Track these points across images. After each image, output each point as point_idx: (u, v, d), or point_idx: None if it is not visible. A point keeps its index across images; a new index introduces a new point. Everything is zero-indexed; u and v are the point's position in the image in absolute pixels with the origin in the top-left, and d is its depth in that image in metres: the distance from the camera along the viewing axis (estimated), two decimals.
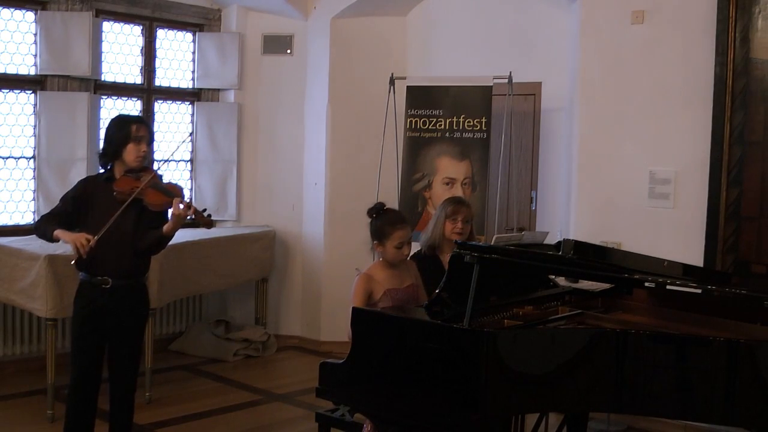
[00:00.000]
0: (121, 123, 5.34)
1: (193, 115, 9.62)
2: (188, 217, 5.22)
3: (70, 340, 5.58)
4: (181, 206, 5.15)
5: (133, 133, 5.26)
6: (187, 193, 9.21)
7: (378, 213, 5.08)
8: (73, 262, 5.20)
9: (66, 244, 5.29)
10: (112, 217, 5.12)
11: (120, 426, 5.56)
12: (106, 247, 5.18)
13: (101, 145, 5.45)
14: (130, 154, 5.28)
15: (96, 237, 5.07)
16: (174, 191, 5.33)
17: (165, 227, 5.24)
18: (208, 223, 5.30)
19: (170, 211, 5.30)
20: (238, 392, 7.90)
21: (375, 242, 5.04)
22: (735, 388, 4.30)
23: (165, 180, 5.58)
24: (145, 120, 5.50)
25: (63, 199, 5.41)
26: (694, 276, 5.14)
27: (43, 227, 5.29)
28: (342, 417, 5.54)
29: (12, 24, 8.12)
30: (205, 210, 5.29)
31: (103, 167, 5.43)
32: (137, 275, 5.46)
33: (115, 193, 5.20)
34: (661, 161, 7.17)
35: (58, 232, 5.16)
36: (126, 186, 5.23)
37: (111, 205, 5.18)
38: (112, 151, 5.32)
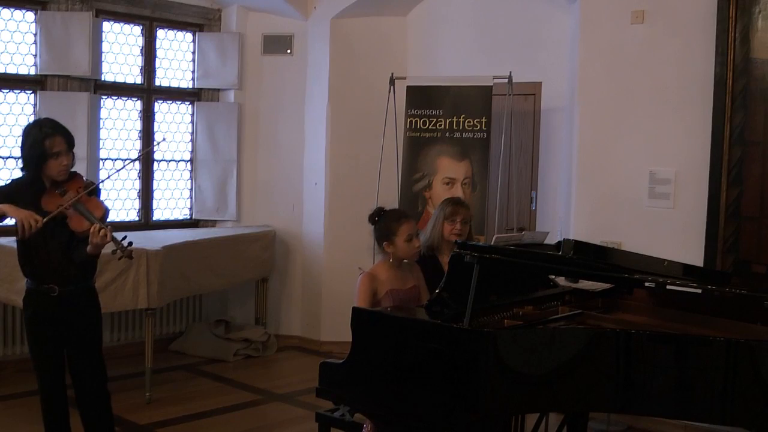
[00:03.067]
0: (33, 139, 5.06)
1: (193, 115, 9.62)
2: (108, 248, 5.02)
3: (29, 351, 5.42)
4: (99, 235, 4.93)
5: (47, 149, 5.02)
6: (185, 193, 9.28)
7: (379, 215, 5.12)
8: (16, 238, 5.00)
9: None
10: (44, 238, 5.02)
11: (94, 429, 5.48)
12: (46, 254, 5.12)
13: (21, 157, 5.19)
14: (52, 170, 5.07)
15: (44, 219, 4.89)
16: (95, 214, 5.09)
17: (87, 249, 5.04)
18: (128, 255, 5.05)
19: None
20: (238, 392, 7.90)
21: (384, 243, 5.06)
22: (735, 387, 4.30)
23: (97, 189, 5.38)
24: (60, 128, 5.13)
25: None
26: (694, 276, 5.14)
27: None
28: (342, 417, 5.53)
29: (12, 24, 8.13)
30: (125, 238, 5.04)
31: (29, 178, 5.18)
32: (83, 279, 5.33)
33: (42, 211, 5.00)
34: (661, 161, 7.17)
35: (4, 206, 4.93)
36: (52, 205, 5.03)
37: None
38: (32, 167, 5.10)
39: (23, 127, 5.25)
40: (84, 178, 5.32)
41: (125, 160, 8.90)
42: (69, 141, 5.15)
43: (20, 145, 5.18)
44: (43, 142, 5.02)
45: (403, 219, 5.10)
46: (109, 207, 5.50)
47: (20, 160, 5.22)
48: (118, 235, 5.04)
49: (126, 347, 8.62)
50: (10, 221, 5.03)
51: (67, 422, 5.46)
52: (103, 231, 4.93)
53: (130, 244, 5.06)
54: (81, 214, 5.04)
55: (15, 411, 7.13)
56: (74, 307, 5.26)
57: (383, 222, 5.07)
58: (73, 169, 5.23)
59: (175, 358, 8.90)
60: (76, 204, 5.05)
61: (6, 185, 5.31)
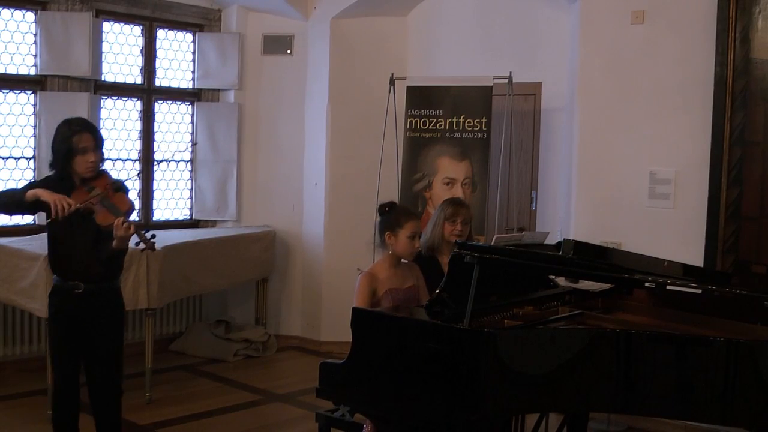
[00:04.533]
0: (62, 136, 5.21)
1: (193, 115, 9.62)
2: (133, 240, 5.14)
3: (48, 344, 5.53)
4: (123, 227, 5.02)
5: (74, 146, 5.14)
6: (186, 193, 9.29)
7: (391, 207, 5.19)
8: (48, 220, 5.08)
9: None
10: (72, 234, 5.12)
11: (106, 428, 5.52)
12: (74, 251, 5.19)
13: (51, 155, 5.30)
14: (80, 166, 5.18)
15: (77, 205, 5.01)
16: (121, 208, 5.18)
17: (113, 243, 5.14)
18: (150, 246, 5.14)
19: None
20: (238, 392, 7.90)
21: (387, 233, 5.08)
22: (735, 388, 4.30)
23: (126, 183, 5.49)
24: (89, 125, 5.29)
25: (31, 184, 5.32)
26: (694, 276, 5.14)
27: (9, 194, 5.23)
28: (342, 417, 5.53)
29: (12, 24, 8.12)
30: (147, 231, 5.17)
31: (59, 175, 5.28)
32: (109, 279, 5.40)
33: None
34: (661, 161, 7.17)
35: (38, 190, 5.05)
36: (80, 200, 5.12)
37: (69, 215, 5.07)
38: (61, 165, 5.22)
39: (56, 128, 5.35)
40: (112, 177, 5.45)
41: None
42: (97, 139, 5.27)
43: (51, 142, 5.30)
44: (71, 138, 5.16)
45: (412, 216, 5.18)
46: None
47: (50, 162, 5.31)
48: (143, 231, 5.16)
49: (126, 347, 8.45)
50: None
51: (76, 421, 5.48)
52: (126, 224, 5.03)
53: (153, 236, 5.16)
54: (107, 209, 5.14)
55: (15, 411, 7.13)
56: (98, 306, 5.32)
57: (393, 213, 5.12)
58: (101, 168, 5.33)
59: (175, 359, 8.90)
60: (103, 199, 5.16)
61: (39, 180, 5.40)
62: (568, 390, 4.41)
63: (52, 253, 5.35)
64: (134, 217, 5.37)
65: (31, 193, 5.06)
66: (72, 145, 5.14)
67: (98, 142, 5.27)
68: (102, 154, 5.30)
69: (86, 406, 5.51)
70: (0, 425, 6.86)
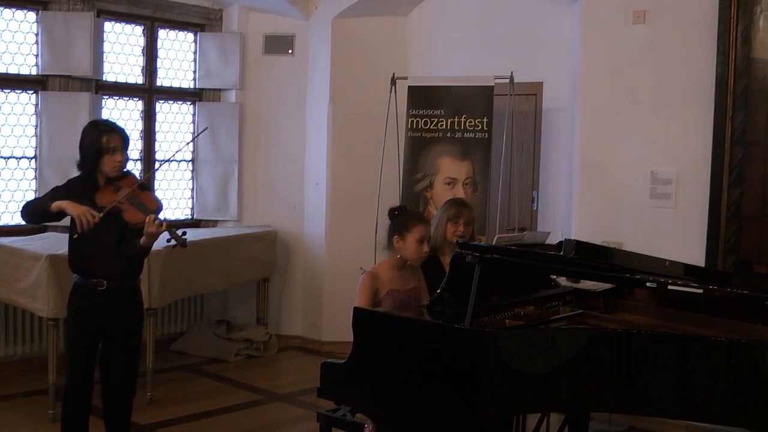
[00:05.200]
0: (91, 135, 5.30)
1: (194, 115, 9.62)
2: (162, 237, 5.23)
3: (66, 342, 5.58)
4: (155, 224, 5.12)
5: (104, 144, 5.22)
6: (187, 193, 9.29)
7: (400, 211, 5.17)
8: (75, 236, 5.17)
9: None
10: (98, 233, 5.14)
11: (117, 427, 5.57)
12: (97, 250, 5.23)
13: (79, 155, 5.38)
14: (107, 165, 5.26)
15: (101, 215, 5.09)
16: (150, 207, 5.29)
17: (141, 241, 5.22)
18: (182, 243, 5.23)
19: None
20: (239, 392, 7.90)
21: (396, 237, 5.06)
22: (736, 388, 4.30)
23: (154, 179, 5.59)
24: (116, 127, 5.38)
25: (54, 190, 5.37)
26: (695, 276, 5.14)
27: (36, 205, 5.32)
28: (343, 417, 5.54)
29: (13, 24, 8.13)
30: (178, 228, 5.27)
31: (84, 175, 5.37)
32: (131, 277, 5.48)
33: (97, 206, 5.16)
34: (663, 161, 7.17)
35: (62, 203, 5.13)
36: (106, 200, 5.21)
37: None
38: (88, 163, 5.30)
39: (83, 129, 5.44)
40: (136, 176, 5.55)
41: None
42: (125, 139, 5.37)
43: (79, 143, 5.36)
44: (101, 137, 5.25)
45: (421, 220, 5.14)
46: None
47: (78, 163, 5.38)
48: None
49: None
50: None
51: (86, 420, 5.51)
52: (158, 221, 5.13)
53: (185, 233, 5.26)
54: (136, 207, 5.22)
55: (16, 411, 7.14)
56: (119, 304, 5.38)
57: (402, 217, 5.10)
58: (126, 169, 5.42)
59: (176, 358, 8.90)
60: (131, 197, 5.24)
61: (62, 185, 5.43)
62: (569, 390, 4.41)
63: (73, 251, 5.38)
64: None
65: (55, 205, 5.13)
66: (101, 145, 5.22)
67: (125, 142, 5.37)
68: (127, 154, 5.40)
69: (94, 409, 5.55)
70: (1, 425, 6.86)
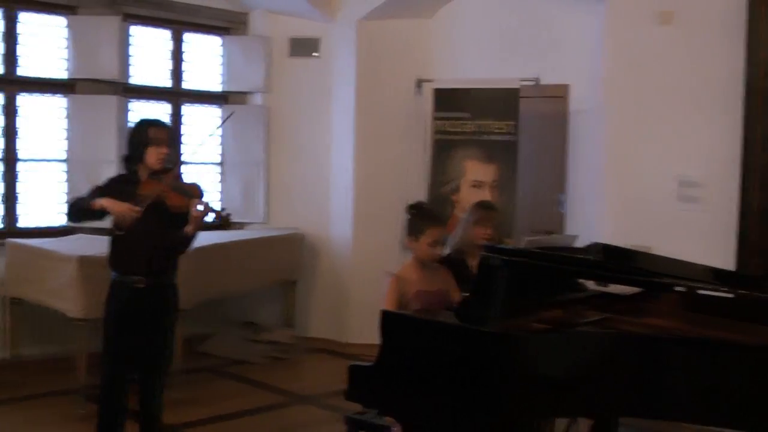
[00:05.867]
0: (139, 127, 5.45)
1: (221, 118, 9.64)
2: (208, 218, 5.33)
3: (103, 339, 5.63)
4: (199, 208, 5.24)
5: (151, 136, 5.35)
6: (215, 195, 9.33)
7: (416, 209, 5.14)
8: (120, 231, 5.27)
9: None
10: (141, 224, 5.22)
11: (150, 425, 5.63)
12: (137, 247, 5.30)
13: (125, 149, 5.53)
14: (151, 156, 5.35)
15: (141, 209, 5.19)
16: (193, 192, 5.41)
17: (186, 228, 5.32)
18: (226, 222, 5.35)
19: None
20: (265, 394, 7.91)
21: (409, 237, 5.06)
22: (766, 394, 4.27)
23: (189, 180, 5.67)
24: (164, 122, 5.56)
25: (96, 189, 5.45)
26: (724, 280, 5.10)
27: (80, 203, 5.40)
28: (371, 420, 5.53)
29: (43, 29, 8.19)
30: (224, 209, 5.37)
31: (127, 171, 5.51)
32: (168, 275, 5.54)
33: (139, 197, 5.25)
34: (691, 164, 7.14)
35: (103, 201, 5.23)
36: (149, 189, 5.31)
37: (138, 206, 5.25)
38: (133, 155, 5.41)
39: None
40: (180, 173, 5.76)
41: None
42: (171, 135, 5.55)
43: (127, 137, 5.55)
44: (148, 129, 5.39)
45: (433, 223, 5.09)
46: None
47: (124, 157, 5.55)
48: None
49: None
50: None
51: (123, 419, 5.57)
52: (202, 204, 5.25)
53: (229, 215, 5.36)
54: (178, 192, 5.34)
55: (46, 411, 7.16)
56: (157, 301, 5.46)
57: (416, 218, 5.09)
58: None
59: (202, 359, 8.91)
60: (174, 185, 5.35)
61: (104, 184, 5.53)
62: (596, 394, 4.38)
63: (114, 248, 5.44)
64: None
65: (97, 203, 5.25)
66: (148, 136, 5.35)
67: (171, 137, 5.55)
68: (175, 153, 5.46)
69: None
70: (30, 425, 6.90)
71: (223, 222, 5.34)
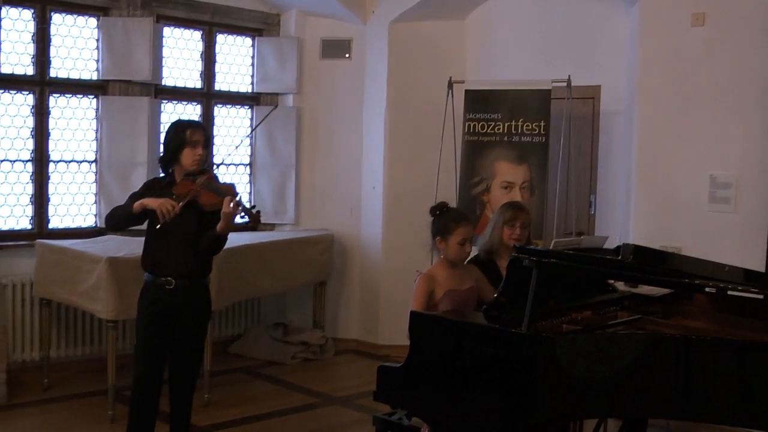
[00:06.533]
0: (176, 128, 5.50)
1: (252, 119, 9.68)
2: (239, 215, 5.36)
3: (135, 340, 5.68)
4: (231, 205, 5.24)
5: (187, 137, 5.40)
6: (245, 196, 9.36)
7: (442, 210, 5.16)
8: (158, 226, 5.30)
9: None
10: (174, 225, 5.27)
11: (180, 426, 5.67)
12: (169, 248, 5.36)
13: (161, 150, 5.59)
14: (187, 158, 5.42)
15: (180, 204, 5.25)
16: (226, 191, 5.42)
17: (218, 226, 5.33)
18: (256, 219, 5.36)
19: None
20: (295, 395, 7.93)
21: (438, 238, 5.09)
22: None
23: (223, 180, 5.71)
24: (201, 124, 5.65)
25: (132, 197, 5.52)
26: (755, 281, 5.06)
27: (120, 211, 5.47)
28: (399, 421, 5.53)
29: (75, 30, 8.25)
30: (254, 207, 5.40)
31: (164, 171, 5.59)
32: (200, 276, 5.57)
33: (174, 197, 5.31)
34: (722, 165, 7.09)
35: (143, 201, 5.30)
36: (183, 189, 5.38)
37: None
38: (169, 157, 5.48)
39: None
40: (215, 173, 5.76)
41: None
42: (207, 137, 5.56)
43: (163, 138, 5.60)
44: (185, 131, 5.44)
45: (462, 221, 5.12)
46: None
47: (160, 158, 5.63)
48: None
49: None
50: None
51: (153, 418, 5.62)
52: (234, 201, 5.25)
53: (259, 213, 5.38)
54: (212, 191, 5.39)
55: (76, 411, 7.21)
56: (187, 302, 5.49)
57: (443, 218, 5.11)
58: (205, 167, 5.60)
59: (233, 361, 8.95)
60: (208, 184, 5.41)
61: (138, 190, 5.63)
62: (626, 396, 4.38)
63: (148, 248, 5.51)
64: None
65: (137, 204, 5.32)
66: (185, 137, 5.40)
67: (208, 139, 5.56)
68: (209, 154, 5.50)
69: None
70: (61, 425, 6.96)
71: (252, 219, 5.34)
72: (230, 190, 5.46)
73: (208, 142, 5.55)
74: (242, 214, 5.33)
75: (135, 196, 5.48)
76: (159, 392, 5.58)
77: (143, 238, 5.60)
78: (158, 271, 5.43)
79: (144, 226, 5.51)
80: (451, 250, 5.07)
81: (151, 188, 5.52)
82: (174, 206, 5.23)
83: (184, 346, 5.57)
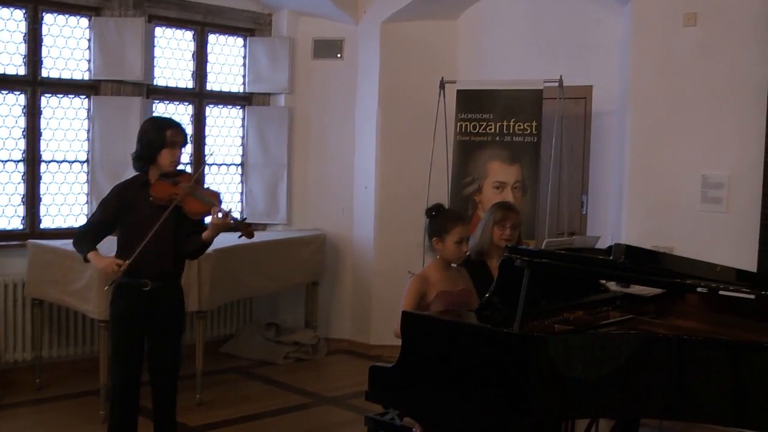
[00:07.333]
0: (156, 127, 5.36)
1: (243, 119, 9.66)
2: (228, 226, 5.29)
3: (110, 342, 5.65)
4: (220, 215, 5.18)
5: (168, 138, 5.29)
6: (236, 197, 9.34)
7: (437, 211, 5.16)
8: (105, 288, 5.28)
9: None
10: (153, 227, 5.16)
11: (164, 426, 5.62)
12: (150, 249, 5.21)
13: (136, 148, 5.41)
14: (165, 159, 5.31)
15: (127, 261, 5.13)
16: (212, 199, 5.35)
17: (204, 235, 5.29)
18: (249, 233, 5.32)
19: (208, 219, 5.34)
20: (287, 395, 7.92)
21: (435, 239, 5.09)
22: None
23: (208, 184, 5.65)
24: (181, 124, 5.50)
25: (101, 205, 5.48)
26: (747, 281, 5.07)
27: (79, 246, 5.41)
28: (391, 421, 5.52)
29: (67, 30, 8.23)
30: (245, 219, 5.37)
31: (137, 170, 5.46)
32: (175, 277, 5.53)
33: (151, 199, 5.23)
34: (714, 165, 7.10)
35: (90, 256, 5.26)
36: (163, 192, 5.25)
37: (148, 210, 5.22)
38: (147, 156, 5.35)
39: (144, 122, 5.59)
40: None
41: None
42: (186, 137, 5.46)
43: (139, 136, 5.41)
44: (166, 130, 5.32)
45: (459, 220, 5.12)
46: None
47: (134, 156, 5.44)
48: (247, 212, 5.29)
49: None
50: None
51: (134, 421, 5.56)
52: (224, 212, 5.19)
53: (250, 225, 5.37)
54: (197, 198, 5.28)
55: (68, 411, 7.20)
56: (162, 303, 5.41)
57: (439, 219, 5.10)
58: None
59: (225, 361, 8.94)
60: (192, 189, 5.28)
61: (109, 196, 5.50)
62: (619, 396, 4.37)
63: (124, 250, 5.35)
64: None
65: (88, 256, 5.29)
66: (166, 138, 5.28)
67: (186, 140, 5.46)
68: (198, 156, 5.45)
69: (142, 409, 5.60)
70: (54, 426, 6.94)
71: (245, 233, 5.31)
72: (216, 198, 5.40)
73: (185, 143, 5.44)
74: (232, 225, 5.28)
75: (104, 206, 5.42)
76: (138, 394, 5.51)
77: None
78: (135, 272, 5.29)
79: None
80: (448, 250, 5.07)
81: (122, 194, 5.40)
82: (120, 265, 5.13)
83: (163, 348, 5.50)
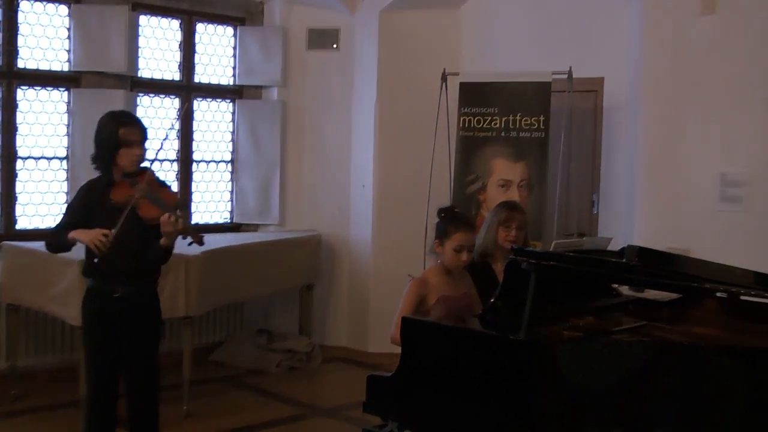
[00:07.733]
0: (109, 127, 5.27)
1: (234, 113, 9.66)
2: (180, 236, 5.20)
3: (83, 351, 5.62)
4: (171, 221, 5.07)
5: (121, 137, 5.20)
6: (226, 195, 9.32)
7: (446, 212, 5.17)
8: (96, 260, 5.18)
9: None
10: (115, 226, 5.09)
11: None
12: (116, 254, 5.16)
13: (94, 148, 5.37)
14: (124, 159, 5.24)
15: (113, 231, 5.05)
16: (167, 203, 5.23)
17: (162, 241, 5.21)
18: (198, 240, 5.19)
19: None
20: (280, 406, 7.91)
21: (436, 241, 5.12)
22: None
23: (164, 180, 5.58)
24: (135, 118, 5.42)
25: (68, 208, 5.47)
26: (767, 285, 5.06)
27: (55, 240, 5.36)
28: None
29: (45, 18, 8.21)
30: (202, 235, 5.22)
31: (100, 171, 5.38)
32: (148, 282, 5.48)
33: (111, 202, 5.17)
34: (733, 162, 7.08)
35: (73, 234, 5.17)
36: (121, 195, 5.18)
37: (111, 212, 5.14)
38: (105, 157, 5.28)
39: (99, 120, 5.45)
40: (155, 172, 5.49)
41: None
42: (143, 133, 5.34)
43: (94, 135, 5.37)
44: (118, 130, 5.22)
45: (461, 227, 5.10)
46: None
47: (93, 157, 5.38)
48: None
49: (163, 357, 8.45)
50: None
51: (111, 430, 5.52)
52: (173, 218, 5.08)
53: (203, 237, 5.22)
54: (152, 203, 5.18)
55: (46, 423, 7.20)
56: (135, 310, 5.36)
57: (445, 221, 5.11)
58: (143, 165, 5.39)
59: (214, 369, 8.93)
60: (148, 192, 5.18)
61: (75, 198, 5.50)
62: (631, 407, 4.37)
63: (90, 255, 5.30)
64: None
65: (71, 236, 5.18)
66: (119, 138, 5.20)
67: (144, 135, 5.35)
68: (145, 149, 5.36)
69: (121, 420, 5.56)
70: None
71: (195, 241, 5.18)
72: (172, 201, 5.30)
73: (145, 139, 5.33)
74: (181, 230, 5.16)
75: (72, 209, 5.41)
76: (116, 402, 5.47)
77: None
78: (103, 278, 5.28)
79: None
80: (445, 256, 5.07)
81: (88, 196, 5.36)
82: (107, 235, 5.04)
83: (139, 358, 5.45)
